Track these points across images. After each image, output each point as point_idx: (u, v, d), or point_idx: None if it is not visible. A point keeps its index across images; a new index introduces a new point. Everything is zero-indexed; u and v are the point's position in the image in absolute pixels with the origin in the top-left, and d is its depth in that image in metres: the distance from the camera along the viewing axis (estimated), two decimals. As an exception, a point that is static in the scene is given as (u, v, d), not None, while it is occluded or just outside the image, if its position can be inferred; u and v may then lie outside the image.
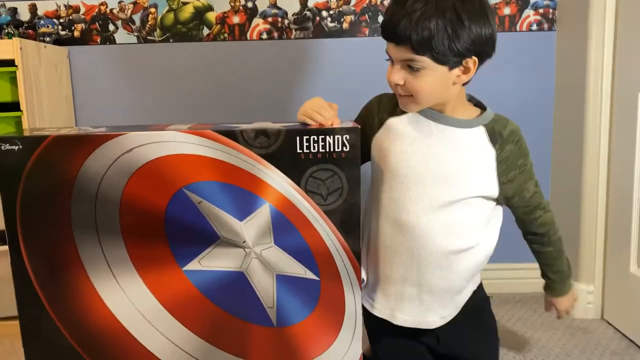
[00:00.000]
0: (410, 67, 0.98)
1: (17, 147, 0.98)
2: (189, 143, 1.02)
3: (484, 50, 0.98)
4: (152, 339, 1.07)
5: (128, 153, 1.00)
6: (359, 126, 1.07)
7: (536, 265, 2.12)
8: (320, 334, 1.11)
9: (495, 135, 1.09)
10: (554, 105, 2.06)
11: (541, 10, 2.00)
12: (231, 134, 1.03)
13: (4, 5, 1.99)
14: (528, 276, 2.15)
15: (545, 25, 2.01)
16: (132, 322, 1.06)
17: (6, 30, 1.91)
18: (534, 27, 2.01)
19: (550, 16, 2.01)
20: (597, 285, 1.90)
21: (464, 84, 1.07)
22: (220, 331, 1.08)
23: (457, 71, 0.98)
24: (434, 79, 0.97)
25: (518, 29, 2.02)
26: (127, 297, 1.04)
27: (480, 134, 1.09)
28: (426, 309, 1.17)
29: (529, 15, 2.00)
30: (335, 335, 1.12)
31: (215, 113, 2.06)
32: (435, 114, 1.07)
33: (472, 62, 0.97)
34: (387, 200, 1.12)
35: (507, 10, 2.01)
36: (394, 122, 1.13)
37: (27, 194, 0.98)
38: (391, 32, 0.97)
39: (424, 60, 0.95)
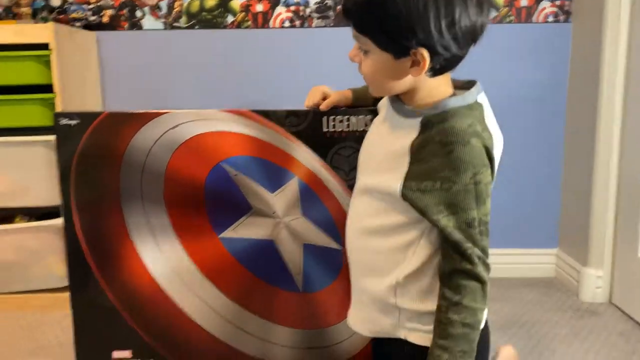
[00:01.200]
0: (361, 48, 0.85)
1: (74, 122, 1.06)
2: (227, 121, 1.10)
3: (430, 40, 0.75)
4: (187, 300, 1.15)
5: (173, 129, 1.09)
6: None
7: (547, 250, 2.20)
8: (342, 302, 1.18)
9: (425, 128, 0.82)
10: (566, 96, 2.12)
11: (557, 2, 2.06)
12: (265, 113, 1.11)
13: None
14: (538, 261, 2.22)
15: (561, 17, 2.07)
16: (170, 284, 1.14)
17: (41, 15, 1.99)
18: (550, 19, 2.07)
19: (566, 8, 2.06)
20: (605, 270, 1.96)
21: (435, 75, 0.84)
22: (250, 294, 1.17)
23: (407, 62, 0.79)
24: (379, 65, 0.83)
25: (534, 20, 2.07)
26: (167, 262, 1.13)
27: (415, 124, 0.83)
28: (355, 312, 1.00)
29: (545, 7, 2.06)
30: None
31: (238, 99, 2.15)
32: (396, 100, 0.90)
33: (420, 54, 0.77)
34: None
35: (523, 2, 2.06)
36: (380, 105, 1.02)
37: (81, 165, 1.07)
38: (343, 5, 0.84)
39: (367, 43, 0.81)
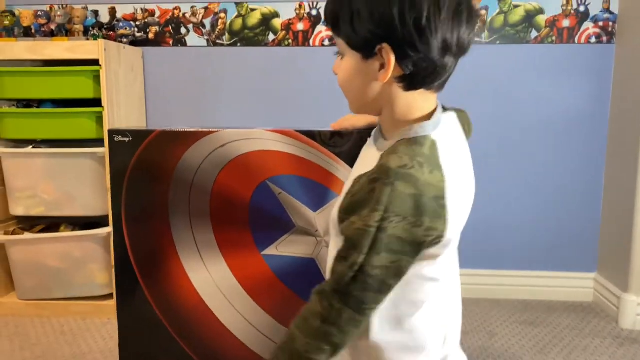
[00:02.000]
0: (339, 54, 0.80)
1: (127, 139, 1.11)
2: (273, 140, 1.13)
3: (395, 35, 0.69)
4: (228, 315, 1.18)
5: (222, 147, 1.12)
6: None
7: (585, 274, 2.16)
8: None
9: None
10: (609, 118, 2.09)
11: (601, 23, 2.04)
12: (310, 134, 1.14)
13: (86, 8, 2.16)
14: (576, 285, 2.18)
15: (605, 38, 2.04)
16: (213, 299, 1.17)
17: (92, 32, 2.07)
18: (593, 39, 2.05)
19: (610, 29, 2.04)
20: (647, 296, 1.91)
21: (406, 87, 0.75)
22: (290, 312, 1.17)
23: (375, 64, 0.73)
24: (350, 70, 0.77)
25: (577, 41, 2.05)
26: (210, 276, 1.16)
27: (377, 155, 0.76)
28: None
29: (588, 27, 2.04)
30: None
31: (277, 115, 2.18)
32: (377, 131, 0.86)
33: (385, 51, 0.71)
34: None
35: (566, 23, 2.05)
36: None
37: (132, 180, 1.11)
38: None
39: (341, 43, 0.76)
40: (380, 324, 0.77)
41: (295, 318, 0.77)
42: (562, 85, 2.08)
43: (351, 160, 1.14)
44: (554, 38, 2.06)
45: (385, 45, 0.70)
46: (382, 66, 0.72)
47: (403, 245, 0.68)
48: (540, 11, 2.06)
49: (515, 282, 2.19)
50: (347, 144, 1.15)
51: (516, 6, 2.06)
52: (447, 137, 0.76)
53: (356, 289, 0.70)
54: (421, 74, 0.73)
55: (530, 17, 2.06)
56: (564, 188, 2.14)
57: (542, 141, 2.12)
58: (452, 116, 0.81)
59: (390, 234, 0.67)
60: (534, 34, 2.07)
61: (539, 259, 2.19)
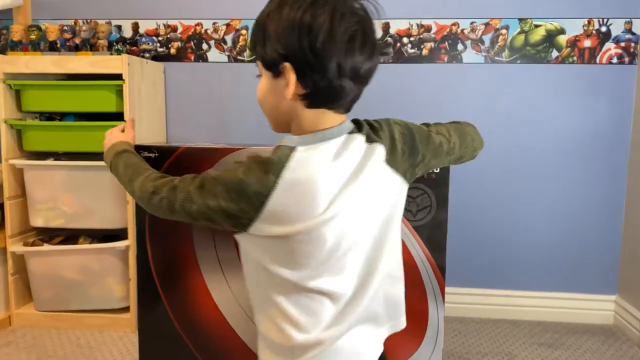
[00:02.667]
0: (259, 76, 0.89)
1: (154, 155, 1.12)
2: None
3: (295, 56, 0.78)
4: (248, 332, 1.17)
5: (245, 164, 1.12)
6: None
7: (605, 296, 2.13)
8: (404, 343, 1.18)
9: None
10: (630, 139, 2.07)
11: (622, 44, 2.03)
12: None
13: (110, 23, 2.19)
14: (596, 307, 2.14)
15: (626, 59, 2.03)
16: (234, 315, 1.17)
17: (116, 47, 2.10)
18: (615, 60, 2.04)
19: (632, 50, 2.02)
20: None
21: (308, 104, 0.82)
22: (311, 332, 1.18)
23: (282, 82, 0.81)
24: (264, 88, 0.86)
25: (598, 61, 2.04)
26: (232, 293, 1.16)
27: None
28: None
29: (610, 48, 2.03)
30: (417, 345, 1.18)
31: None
32: None
33: (287, 69, 0.79)
34: None
35: (587, 43, 2.04)
36: None
37: (157, 197, 1.11)
38: None
39: (258, 64, 0.85)
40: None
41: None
42: (583, 106, 2.07)
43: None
44: (574, 58, 2.06)
45: (287, 64, 0.78)
46: (286, 84, 0.80)
47: (217, 204, 0.80)
48: (562, 31, 2.05)
49: (534, 303, 2.16)
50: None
51: (537, 26, 2.06)
52: (322, 154, 0.81)
53: (172, 190, 0.86)
54: (320, 94, 0.80)
55: (551, 37, 2.06)
56: (584, 209, 2.11)
57: (563, 162, 2.10)
58: (354, 139, 0.83)
59: (213, 190, 0.81)
60: (554, 53, 2.06)
61: (559, 280, 2.16)
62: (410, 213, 1.15)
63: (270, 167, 0.79)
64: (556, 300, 2.16)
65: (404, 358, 1.18)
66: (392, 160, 0.84)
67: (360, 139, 0.83)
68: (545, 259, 2.15)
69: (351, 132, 0.83)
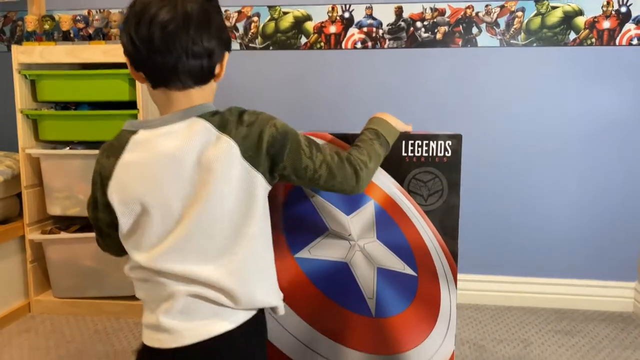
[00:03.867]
0: None
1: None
2: (306, 142, 1.12)
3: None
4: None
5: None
6: (461, 134, 1.13)
7: (625, 283, 2.09)
8: (416, 328, 1.17)
9: None
10: (651, 120, 2.02)
11: (643, 24, 1.97)
12: (343, 137, 1.13)
13: (122, 12, 2.19)
14: (616, 295, 2.11)
15: (647, 40, 1.98)
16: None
17: (128, 36, 2.10)
18: (635, 41, 1.98)
19: (653, 30, 1.97)
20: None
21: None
22: (322, 316, 1.17)
23: None
24: None
25: (617, 43, 1.99)
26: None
27: None
28: None
29: (630, 29, 1.98)
30: (429, 330, 1.18)
31: (310, 118, 2.18)
32: None
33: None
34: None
35: (606, 24, 1.99)
36: None
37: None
38: None
39: None
40: None
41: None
42: (602, 89, 2.02)
43: (384, 164, 1.13)
44: (593, 40, 2.01)
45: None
46: None
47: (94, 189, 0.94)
48: (580, 12, 2.00)
49: (551, 290, 2.13)
50: (381, 147, 1.13)
51: (554, 7, 2.01)
52: (161, 137, 0.86)
53: None
54: (147, 73, 0.88)
55: (568, 19, 2.01)
56: (603, 194, 2.07)
57: (582, 147, 2.06)
58: (198, 125, 0.87)
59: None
60: (572, 35, 2.02)
61: (578, 268, 2.12)
62: (421, 197, 1.14)
63: (112, 151, 0.88)
64: (574, 288, 2.13)
65: (415, 342, 1.18)
66: (252, 157, 0.86)
67: (206, 126, 0.86)
68: (563, 246, 2.12)
69: (201, 117, 0.87)
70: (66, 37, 2.05)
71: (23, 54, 1.94)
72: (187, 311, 0.87)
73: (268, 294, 0.94)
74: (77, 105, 2.04)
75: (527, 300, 2.14)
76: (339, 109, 2.16)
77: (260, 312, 0.95)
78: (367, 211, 1.15)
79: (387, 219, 1.15)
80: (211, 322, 0.88)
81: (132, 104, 1.92)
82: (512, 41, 2.05)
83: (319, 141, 1.05)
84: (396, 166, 1.13)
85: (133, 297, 2.02)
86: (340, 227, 1.15)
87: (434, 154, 1.13)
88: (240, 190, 0.86)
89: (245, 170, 0.86)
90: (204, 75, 0.90)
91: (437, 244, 1.15)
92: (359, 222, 1.15)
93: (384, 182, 1.14)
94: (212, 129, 0.86)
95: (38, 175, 2.03)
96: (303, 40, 2.17)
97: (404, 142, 1.13)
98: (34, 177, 2.03)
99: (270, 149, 0.88)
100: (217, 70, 0.92)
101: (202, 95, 0.91)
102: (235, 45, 2.20)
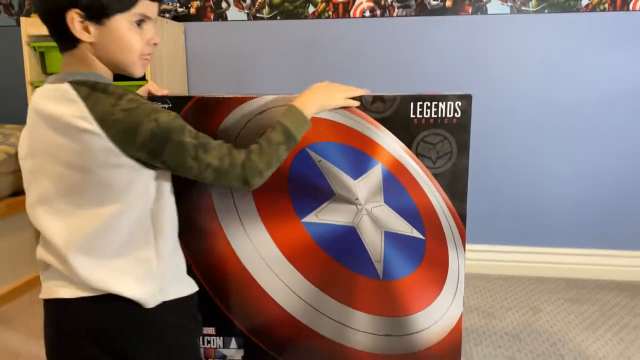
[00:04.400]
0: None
1: (167, 106, 1.11)
2: (312, 105, 1.11)
3: None
4: (270, 282, 1.18)
5: (260, 114, 1.12)
6: (471, 94, 1.11)
7: (637, 253, 2.07)
8: (424, 290, 1.18)
9: None
10: (665, 87, 1.98)
11: (658, -13, 1.93)
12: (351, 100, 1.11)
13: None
14: (626, 264, 2.10)
15: (662, 3, 1.93)
16: (254, 265, 1.18)
17: (135, 7, 2.10)
18: (649, 4, 1.94)
19: (668, -7, 1.92)
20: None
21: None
22: (330, 279, 1.18)
23: None
24: None
25: (631, 8, 1.95)
26: (252, 244, 1.16)
27: None
28: None
29: (644, -8, 1.93)
30: (437, 293, 1.18)
31: (317, 88, 2.16)
32: None
33: None
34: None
35: (620, -13, 1.95)
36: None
37: (174, 145, 1.11)
38: None
39: None
40: None
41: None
42: (615, 56, 1.99)
43: (394, 126, 1.12)
44: (606, 5, 1.97)
45: None
46: None
47: None
48: (593, -24, 1.96)
49: (560, 259, 2.13)
50: (390, 109, 1.12)
51: (567, -28, 1.97)
52: (40, 96, 0.90)
53: None
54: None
55: (581, -17, 1.97)
56: (614, 164, 2.05)
57: (593, 115, 2.03)
58: (62, 91, 0.87)
59: None
60: (584, 1, 1.98)
61: (587, 237, 2.12)
62: (429, 160, 1.13)
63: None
64: (583, 257, 2.12)
65: (423, 305, 1.18)
66: (122, 142, 0.84)
67: (68, 92, 0.85)
68: (574, 215, 2.11)
69: (72, 83, 0.86)
70: (73, 8, 2.04)
71: (32, 25, 1.94)
72: None
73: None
74: (86, 77, 2.04)
75: (537, 270, 2.14)
76: (348, 78, 2.14)
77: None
78: (375, 175, 1.14)
79: (394, 182, 1.15)
80: None
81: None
82: (523, 8, 2.02)
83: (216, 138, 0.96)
84: (404, 128, 1.12)
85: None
86: (347, 191, 1.15)
87: (443, 115, 1.12)
88: (86, 161, 0.86)
89: (101, 145, 0.84)
90: (58, 37, 0.89)
91: (445, 207, 1.15)
92: (366, 186, 1.15)
93: (391, 145, 1.13)
94: (76, 99, 0.85)
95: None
96: (311, 9, 2.14)
97: (412, 103, 1.11)
98: (45, 149, 2.05)
99: (147, 144, 0.85)
100: (75, 32, 0.85)
101: (72, 62, 0.90)
102: (242, 15, 2.19)
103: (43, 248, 0.91)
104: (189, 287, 1.03)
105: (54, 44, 2.01)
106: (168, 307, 0.95)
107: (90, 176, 0.86)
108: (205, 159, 0.89)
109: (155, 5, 0.92)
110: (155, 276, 0.93)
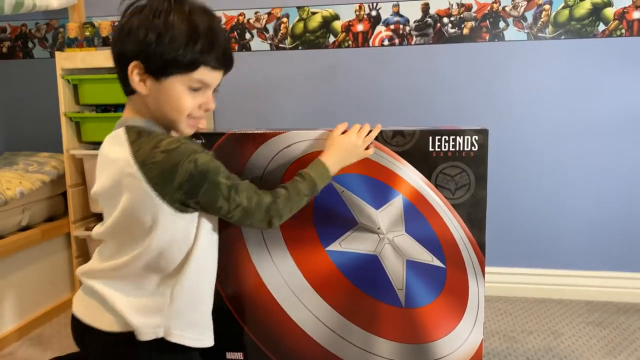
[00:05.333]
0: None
1: (200, 141, 1.18)
2: (336, 140, 1.17)
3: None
4: (296, 310, 1.23)
5: (287, 148, 1.18)
6: (487, 129, 1.16)
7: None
8: (445, 318, 1.21)
9: None
10: (684, 111, 2.00)
11: (674, 14, 1.95)
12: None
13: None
14: (649, 286, 2.10)
15: (678, 29, 1.96)
16: (281, 293, 1.23)
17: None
18: (665, 31, 1.96)
19: (684, 20, 1.95)
20: None
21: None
22: (354, 307, 1.23)
23: None
24: None
25: (648, 33, 1.98)
26: (278, 271, 1.22)
27: None
28: None
29: (660, 19, 1.96)
30: (458, 320, 1.22)
31: (338, 115, 2.22)
32: None
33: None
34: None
35: (636, 15, 1.98)
36: None
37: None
38: (232, 60, 0.99)
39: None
40: None
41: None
42: (632, 81, 2.01)
43: (414, 159, 1.17)
44: (623, 31, 2.00)
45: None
46: None
47: None
48: (609, 3, 1.99)
49: (582, 282, 2.13)
50: (409, 143, 1.17)
51: (582, -1, 2.01)
52: (106, 140, 0.98)
53: None
54: None
55: (597, 10, 2.01)
56: (635, 186, 2.06)
57: (613, 139, 2.05)
58: (119, 138, 0.94)
59: None
60: (601, 27, 2.01)
61: (609, 259, 2.12)
62: (448, 191, 1.18)
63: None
64: (606, 280, 2.12)
65: (444, 332, 1.22)
66: (159, 185, 0.89)
67: (120, 136, 0.93)
68: (594, 238, 2.12)
69: (126, 130, 0.93)
70: (105, 42, 2.15)
71: (66, 60, 2.04)
72: None
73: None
74: (116, 107, 2.13)
75: (558, 293, 2.15)
76: (367, 106, 2.20)
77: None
78: (396, 205, 1.19)
79: (415, 212, 1.19)
80: None
81: (168, 106, 2.00)
82: (539, 34, 2.06)
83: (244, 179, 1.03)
84: (424, 161, 1.18)
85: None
86: (369, 221, 1.20)
87: (461, 149, 1.17)
88: (134, 207, 0.91)
89: (146, 194, 0.89)
90: (123, 84, 0.95)
91: (464, 236, 1.19)
92: (387, 216, 1.19)
93: (411, 177, 1.18)
94: (126, 146, 0.91)
95: (81, 175, 2.14)
96: (331, 39, 2.21)
97: (430, 138, 1.17)
98: (77, 176, 2.13)
99: (184, 185, 0.89)
100: (132, 82, 0.91)
101: (131, 108, 0.98)
102: (265, 46, 2.27)
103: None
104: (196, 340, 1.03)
105: (87, 76, 2.10)
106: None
107: (129, 218, 0.92)
108: (236, 200, 0.94)
109: (218, 74, 0.95)
110: (164, 314, 0.97)
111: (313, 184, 1.06)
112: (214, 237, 1.05)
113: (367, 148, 1.16)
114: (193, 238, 0.97)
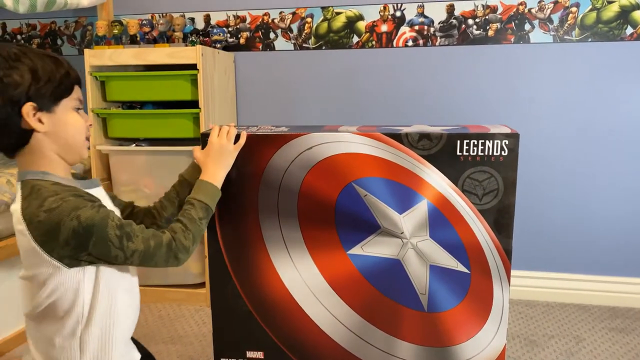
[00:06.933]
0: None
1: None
2: (359, 143, 1.17)
3: None
4: (316, 311, 1.24)
5: (308, 150, 1.18)
6: (518, 132, 1.15)
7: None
8: (467, 323, 1.21)
9: None
10: None
11: None
12: (397, 137, 1.17)
13: (184, 16, 2.30)
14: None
15: None
16: (302, 294, 1.24)
17: (190, 39, 2.22)
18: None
19: None
20: None
21: None
22: (375, 310, 1.23)
23: None
24: None
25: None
26: (299, 273, 1.23)
27: None
28: None
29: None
30: (481, 325, 1.21)
31: (361, 115, 2.23)
32: None
33: None
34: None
35: (666, 19, 1.94)
36: None
37: (225, 181, 1.16)
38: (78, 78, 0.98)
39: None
40: None
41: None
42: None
43: (440, 163, 1.17)
44: (651, 34, 1.96)
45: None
46: None
47: None
48: (637, 6, 1.96)
49: (605, 287, 2.11)
50: (436, 147, 1.17)
51: (610, 2, 1.98)
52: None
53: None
54: None
55: (625, 13, 1.98)
56: (661, 192, 2.03)
57: (637, 144, 2.02)
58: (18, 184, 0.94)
59: None
60: (629, 30, 1.98)
61: (633, 264, 2.09)
62: (475, 197, 1.17)
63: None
64: (629, 286, 2.10)
65: (467, 336, 1.22)
66: (47, 244, 0.89)
67: (18, 190, 0.93)
68: (617, 243, 2.09)
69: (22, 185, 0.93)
70: (133, 40, 2.18)
71: (94, 57, 2.07)
72: None
73: None
74: (143, 104, 2.16)
75: (580, 298, 2.13)
76: (391, 106, 2.20)
77: None
78: (420, 210, 1.19)
79: (440, 217, 1.19)
80: None
81: (194, 103, 2.02)
82: (566, 37, 2.03)
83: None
84: (450, 165, 1.16)
85: (194, 286, 2.15)
86: (392, 225, 1.20)
87: (490, 153, 1.15)
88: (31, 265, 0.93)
89: (36, 252, 0.90)
90: (7, 140, 0.93)
91: (490, 242, 1.19)
92: (411, 220, 1.19)
93: (437, 181, 1.18)
94: (19, 198, 0.92)
95: (107, 170, 2.17)
96: (355, 39, 2.21)
97: (458, 141, 1.15)
98: (103, 171, 2.17)
99: (70, 241, 0.89)
100: (30, 124, 0.89)
101: (23, 162, 0.95)
102: (289, 45, 2.28)
103: None
104: None
105: (114, 73, 2.13)
106: None
107: (27, 272, 0.94)
108: (131, 247, 0.93)
109: (80, 90, 0.98)
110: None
111: (205, 206, 1.08)
112: (123, 283, 1.02)
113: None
114: (92, 289, 0.95)
